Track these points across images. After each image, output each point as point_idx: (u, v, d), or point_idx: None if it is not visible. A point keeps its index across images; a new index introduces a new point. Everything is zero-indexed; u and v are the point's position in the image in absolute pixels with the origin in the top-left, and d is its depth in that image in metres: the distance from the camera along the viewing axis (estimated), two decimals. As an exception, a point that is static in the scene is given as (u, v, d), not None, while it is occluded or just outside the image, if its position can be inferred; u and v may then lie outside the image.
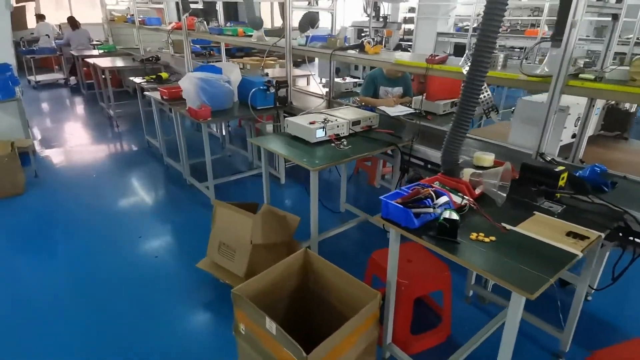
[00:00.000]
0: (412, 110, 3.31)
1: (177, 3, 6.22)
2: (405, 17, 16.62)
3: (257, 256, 2.23)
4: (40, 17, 10.01)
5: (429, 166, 2.48)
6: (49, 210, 3.51)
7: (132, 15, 7.92)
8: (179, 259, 2.83)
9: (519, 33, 7.72)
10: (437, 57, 2.35)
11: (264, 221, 2.24)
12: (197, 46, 8.32)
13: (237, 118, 3.30)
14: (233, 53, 12.07)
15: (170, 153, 4.35)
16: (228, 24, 6.37)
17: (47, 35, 9.29)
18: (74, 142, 5.23)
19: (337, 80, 4.51)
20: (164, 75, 4.55)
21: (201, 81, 3.16)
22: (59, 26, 10.92)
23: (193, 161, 3.98)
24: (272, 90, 3.36)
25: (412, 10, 16.19)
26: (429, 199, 1.55)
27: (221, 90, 3.28)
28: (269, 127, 3.66)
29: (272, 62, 9.10)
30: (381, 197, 1.62)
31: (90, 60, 6.13)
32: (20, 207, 3.53)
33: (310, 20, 3.46)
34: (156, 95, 3.89)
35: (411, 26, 11.42)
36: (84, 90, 7.63)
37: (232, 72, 3.61)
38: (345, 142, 2.45)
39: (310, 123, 2.50)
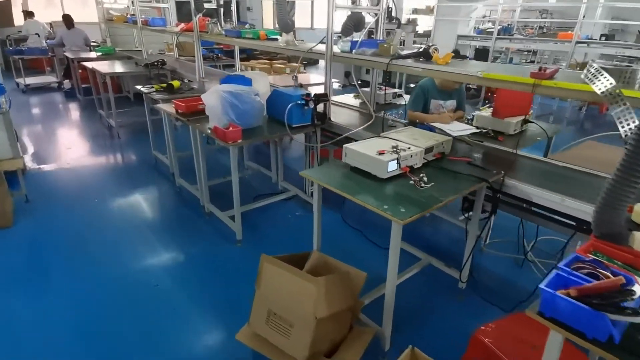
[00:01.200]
0: (474, 129, 2.79)
1: (180, 3, 5.72)
2: (409, 19, 16.20)
3: (321, 331, 1.70)
4: (28, 14, 9.36)
5: (532, 208, 1.97)
6: (43, 245, 2.95)
7: (133, 15, 7.36)
8: (206, 318, 2.28)
9: (549, 36, 7.25)
10: (547, 71, 1.84)
11: (329, 286, 1.71)
12: (203, 48, 7.77)
13: (270, 138, 2.78)
14: (230, 51, 11.50)
15: (183, 173, 3.81)
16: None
17: (36, 34, 8.66)
18: (70, 157, 4.65)
19: (365, 89, 3.98)
20: (176, 83, 3.99)
21: (231, 96, 2.62)
22: (50, 25, 10.28)
23: (209, 182, 3.44)
24: (312, 105, 2.83)
25: (415, 11, 15.80)
26: (624, 290, 1.04)
27: (253, 106, 2.74)
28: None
29: (282, 66, 8.57)
30: (541, 286, 1.10)
31: (89, 65, 5.55)
32: (9, 243, 2.96)
33: (355, 23, 2.93)
34: (169, 108, 3.35)
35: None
36: (80, 95, 7.03)
37: (259, 83, 3.08)
38: (425, 178, 1.93)
39: (380, 153, 1.97)
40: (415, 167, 2.07)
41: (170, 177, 4.07)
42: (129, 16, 7.10)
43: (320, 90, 3.17)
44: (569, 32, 7.06)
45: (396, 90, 3.77)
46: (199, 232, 3.17)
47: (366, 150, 2.01)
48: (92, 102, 6.62)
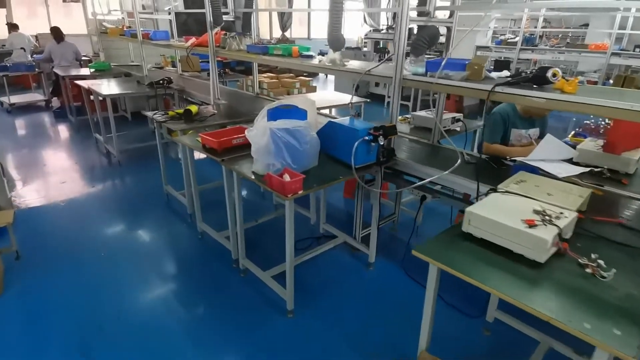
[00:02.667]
0: (583, 168, 2.26)
1: (176, 16, 5.09)
2: (390, 26, 15.88)
3: None
4: (12, 27, 8.65)
5: None
6: (41, 316, 2.30)
7: (129, 27, 6.75)
8: None
9: (575, 47, 6.84)
10: None
11: None
12: (202, 62, 7.17)
13: (331, 184, 2.19)
14: (232, 67, 10.95)
15: (206, 215, 3.19)
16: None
17: (22, 48, 7.97)
18: (66, 193, 3.98)
19: (421, 113, 3.45)
20: (193, 108, 3.39)
21: (288, 135, 2.04)
22: (36, 37, 9.56)
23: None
24: (382, 141, 2.26)
25: (412, 20, 15.47)
26: None
27: (312, 145, 2.17)
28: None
29: (291, 80, 8.01)
30: None
31: (84, 84, 4.90)
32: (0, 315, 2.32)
33: (430, 39, 2.39)
34: (191, 141, 2.75)
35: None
36: (72, 116, 6.32)
37: (307, 112, 2.50)
38: (600, 261, 1.37)
39: (528, 224, 1.41)
40: (565, 237, 1.51)
41: (188, 219, 3.44)
42: (125, 29, 6.48)
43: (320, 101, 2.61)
44: (601, 42, 6.68)
45: (455, 114, 3.24)
46: (235, 297, 2.55)
47: (506, 219, 1.44)
48: (85, 123, 5.94)
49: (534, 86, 1.96)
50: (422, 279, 2.71)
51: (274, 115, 2.18)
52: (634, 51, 6.28)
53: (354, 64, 2.93)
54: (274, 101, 4.15)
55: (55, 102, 7.64)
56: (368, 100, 5.01)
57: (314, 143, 2.18)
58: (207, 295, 2.56)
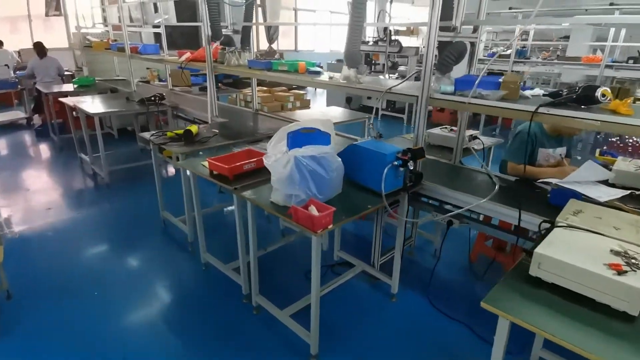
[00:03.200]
0: (623, 191, 2.12)
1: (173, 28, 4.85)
2: (381, 39, 15.96)
3: None
4: (-4, 43, 8.25)
5: None
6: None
7: (115, 41, 6.48)
8: None
9: (569, 60, 6.87)
10: None
11: None
12: (193, 75, 6.93)
13: (361, 215, 1.99)
14: (219, 80, 10.70)
15: (209, 244, 2.93)
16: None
17: (5, 65, 7.58)
18: (53, 221, 3.65)
19: (436, 131, 3.28)
20: (194, 129, 3.15)
21: (314, 163, 1.83)
22: (19, 53, 9.14)
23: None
24: (411, 165, 2.07)
25: (397, 32, 15.56)
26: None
27: (338, 173, 1.96)
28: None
29: (285, 93, 7.81)
30: None
31: (69, 102, 4.59)
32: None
33: (457, 54, 2.23)
34: (194, 166, 2.51)
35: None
36: (55, 135, 5.96)
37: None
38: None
39: (616, 270, 1.23)
40: (646, 280, 1.34)
41: (188, 248, 3.18)
42: (111, 42, 6.21)
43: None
44: (593, 55, 6.73)
45: (472, 131, 3.08)
46: (249, 340, 2.29)
47: (586, 264, 1.26)
48: (69, 142, 5.60)
49: (581, 107, 1.81)
50: (449, 310, 2.52)
51: (295, 139, 1.96)
52: (627, 62, 6.33)
53: (367, 80, 2.75)
54: (277, 119, 3.95)
55: (37, 120, 7.26)
56: (376, 116, 4.81)
57: (340, 170, 1.98)
58: (216, 338, 2.30)
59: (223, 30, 3.72)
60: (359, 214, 1.96)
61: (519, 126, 2.63)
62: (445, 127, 3.25)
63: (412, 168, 2.08)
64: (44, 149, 5.90)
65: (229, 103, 7.15)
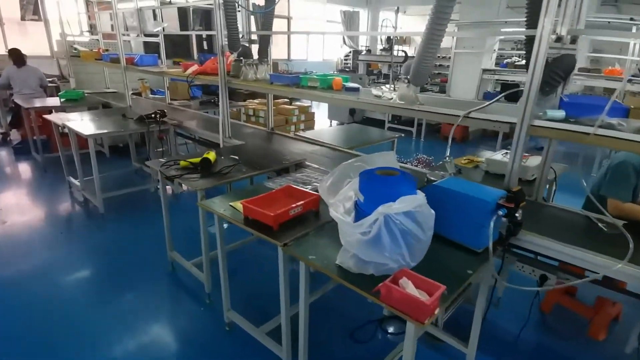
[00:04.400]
0: None
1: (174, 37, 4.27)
2: (384, 48, 15.77)
3: None
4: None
5: None
6: None
7: (107, 50, 5.92)
8: None
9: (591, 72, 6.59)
10: None
11: None
12: (197, 87, 6.39)
13: (460, 289, 1.52)
14: (212, 91, 10.22)
15: (232, 295, 2.41)
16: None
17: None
18: (39, 265, 3.07)
19: (497, 157, 2.83)
20: (211, 156, 2.63)
21: (409, 220, 1.35)
22: (-8, 61, 8.43)
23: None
24: (519, 216, 1.61)
25: (389, 40, 15.33)
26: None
27: (428, 226, 1.48)
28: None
29: (289, 107, 7.33)
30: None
31: (56, 119, 4.00)
32: None
33: (564, 69, 1.79)
34: (225, 209, 2.00)
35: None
36: (38, 153, 5.32)
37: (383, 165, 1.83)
38: None
39: None
40: None
41: (205, 300, 2.64)
42: (102, 52, 5.64)
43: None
44: (612, 68, 6.48)
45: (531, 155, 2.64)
46: None
47: None
48: (54, 162, 5.00)
49: None
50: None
51: (370, 184, 1.48)
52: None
53: (430, 101, 2.29)
54: (299, 140, 3.40)
55: (15, 135, 6.59)
56: (401, 134, 4.36)
57: (430, 225, 1.50)
58: None
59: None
60: (462, 285, 1.48)
61: (616, 154, 2.21)
62: (506, 152, 2.81)
63: (518, 217, 1.62)
64: (25, 171, 5.26)
65: (232, 117, 6.63)
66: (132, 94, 6.69)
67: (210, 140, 3.82)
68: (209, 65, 3.63)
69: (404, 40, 16.74)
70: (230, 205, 2.07)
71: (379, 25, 15.54)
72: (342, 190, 1.63)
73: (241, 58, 3.21)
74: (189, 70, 3.72)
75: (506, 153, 2.80)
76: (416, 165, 4.85)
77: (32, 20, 9.34)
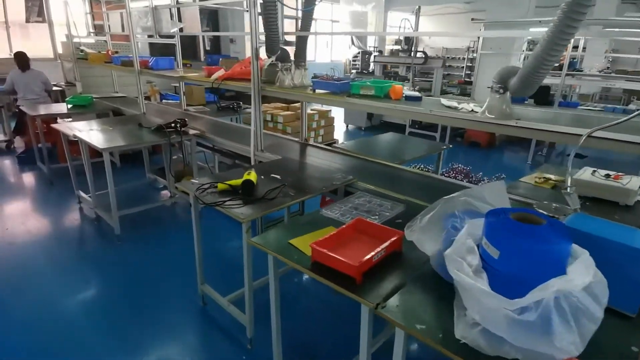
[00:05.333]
0: None
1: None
2: (392, 50, 15.42)
3: None
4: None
5: None
6: None
7: (116, 52, 5.55)
8: None
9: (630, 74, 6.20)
10: None
11: None
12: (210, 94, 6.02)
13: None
14: (221, 93, 9.82)
15: (289, 348, 2.03)
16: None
17: (-24, 78, 6.53)
18: (49, 298, 2.69)
19: (584, 177, 2.44)
20: (253, 177, 2.25)
21: (585, 294, 0.97)
22: (-6, 64, 8.05)
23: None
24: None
25: (398, 42, 14.94)
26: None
27: (604, 299, 1.10)
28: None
29: (310, 111, 6.95)
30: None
31: (66, 130, 3.62)
32: None
33: None
34: (283, 249, 1.62)
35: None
36: (43, 163, 4.93)
37: (493, 202, 1.46)
38: None
39: None
40: None
41: (246, 345, 2.26)
42: (112, 54, 5.27)
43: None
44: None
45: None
46: None
47: None
48: (62, 173, 4.62)
49: None
50: None
51: (508, 236, 1.10)
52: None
53: (533, 115, 1.91)
54: (338, 153, 2.99)
55: (19, 143, 6.21)
56: (449, 145, 3.98)
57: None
58: None
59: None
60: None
61: None
62: (595, 170, 2.42)
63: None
64: (30, 183, 4.88)
65: (245, 123, 6.22)
66: (135, 96, 6.34)
67: (236, 153, 3.45)
68: (238, 71, 3.26)
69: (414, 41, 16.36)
70: (290, 244, 1.69)
71: (387, 25, 15.18)
72: (458, 238, 1.25)
73: (277, 62, 2.83)
74: (215, 75, 3.35)
75: (595, 171, 2.41)
76: (454, 177, 4.46)
77: (36, 21, 8.99)
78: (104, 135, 3.46)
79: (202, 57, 12.36)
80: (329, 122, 6.87)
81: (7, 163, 5.55)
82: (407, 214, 1.97)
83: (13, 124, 6.08)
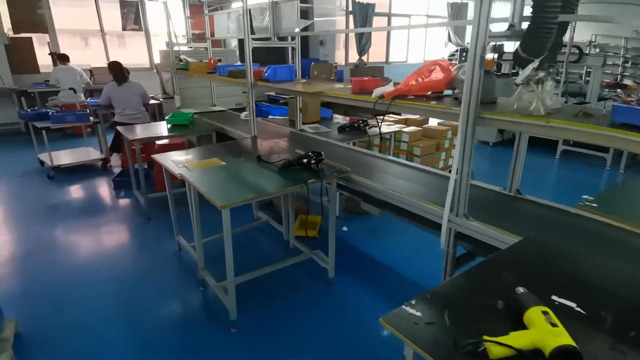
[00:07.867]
0: None
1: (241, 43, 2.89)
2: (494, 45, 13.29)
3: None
4: (60, 58, 6.88)
5: None
6: None
7: (219, 61, 4.74)
8: None
9: None
10: None
11: None
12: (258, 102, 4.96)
13: None
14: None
15: None
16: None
17: (71, 89, 6.21)
18: None
19: None
20: (567, 338, 1.04)
21: None
22: (91, 72, 7.84)
23: None
24: None
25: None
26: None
27: None
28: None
29: (439, 127, 5.66)
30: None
31: (172, 168, 2.72)
32: None
33: None
34: None
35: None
36: (139, 191, 4.19)
37: None
38: None
39: None
40: None
41: None
42: (217, 64, 4.44)
43: None
44: None
45: None
46: None
47: None
48: (161, 206, 3.85)
49: None
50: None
51: None
52: None
53: None
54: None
55: (115, 161, 5.73)
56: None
57: None
58: None
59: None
60: None
61: None
62: None
63: None
64: (125, 219, 4.11)
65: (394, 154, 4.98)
66: (231, 109, 5.52)
67: (407, 210, 2.28)
68: (421, 84, 2.09)
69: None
70: None
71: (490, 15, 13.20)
72: None
73: (536, 70, 1.59)
74: (379, 91, 2.21)
75: None
76: None
77: (132, 29, 8.79)
78: (220, 180, 2.49)
79: (290, 61, 11.57)
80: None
81: (103, 186, 5.00)
82: None
83: (110, 138, 5.59)
